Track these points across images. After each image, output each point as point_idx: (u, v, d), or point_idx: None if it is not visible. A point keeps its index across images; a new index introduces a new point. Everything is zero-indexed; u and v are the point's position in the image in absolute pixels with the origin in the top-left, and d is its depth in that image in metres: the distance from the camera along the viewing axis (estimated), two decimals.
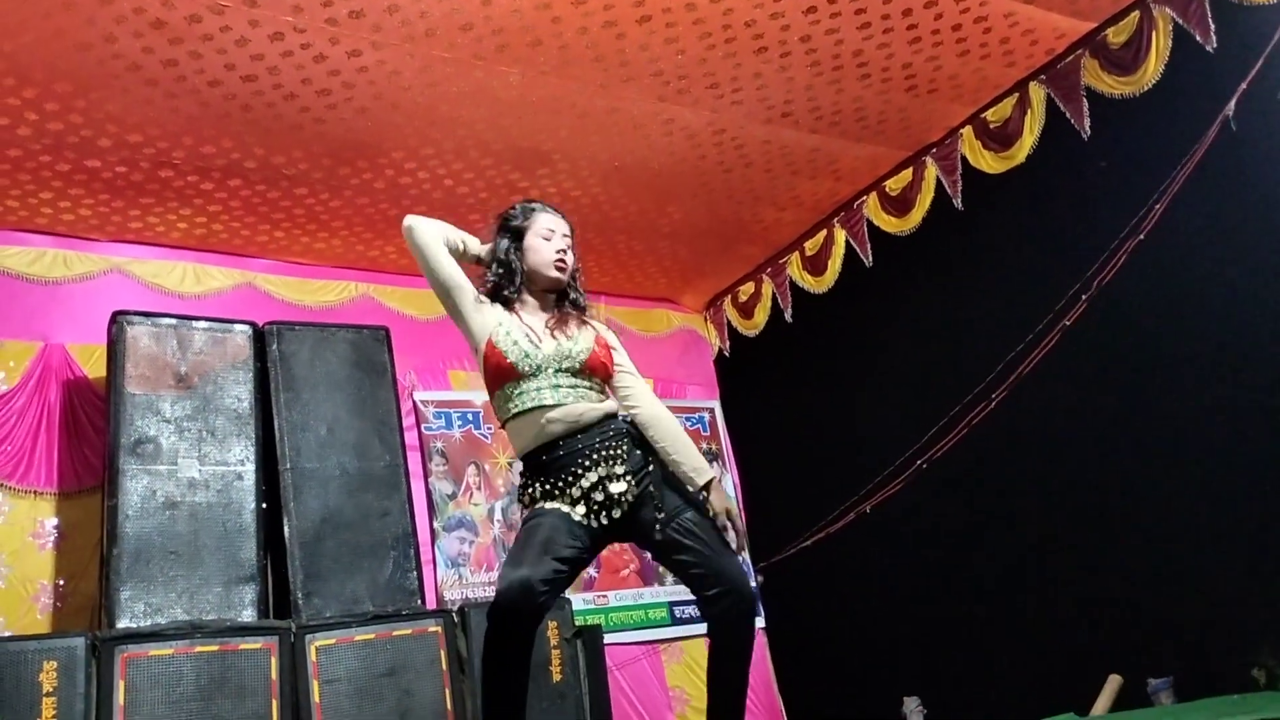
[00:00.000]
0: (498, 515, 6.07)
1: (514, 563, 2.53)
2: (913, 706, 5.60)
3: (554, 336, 2.82)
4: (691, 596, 2.78)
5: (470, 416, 6.22)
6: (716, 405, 7.38)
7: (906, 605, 5.87)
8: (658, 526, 2.68)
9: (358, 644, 4.34)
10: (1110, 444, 4.94)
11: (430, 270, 2.85)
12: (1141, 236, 4.79)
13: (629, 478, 2.72)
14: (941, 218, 5.79)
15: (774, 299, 6.92)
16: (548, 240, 2.93)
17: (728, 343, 7.40)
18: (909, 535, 5.89)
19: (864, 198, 6.22)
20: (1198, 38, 4.60)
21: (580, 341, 2.83)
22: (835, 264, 6.45)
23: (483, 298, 2.87)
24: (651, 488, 2.74)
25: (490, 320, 2.81)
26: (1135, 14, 4.84)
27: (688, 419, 7.16)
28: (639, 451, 2.80)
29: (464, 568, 5.86)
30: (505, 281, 2.89)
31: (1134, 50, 4.83)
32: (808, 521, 6.52)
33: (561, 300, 2.95)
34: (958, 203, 5.69)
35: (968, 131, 5.61)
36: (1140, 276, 4.81)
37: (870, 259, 6.22)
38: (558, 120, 5.04)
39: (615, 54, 4.63)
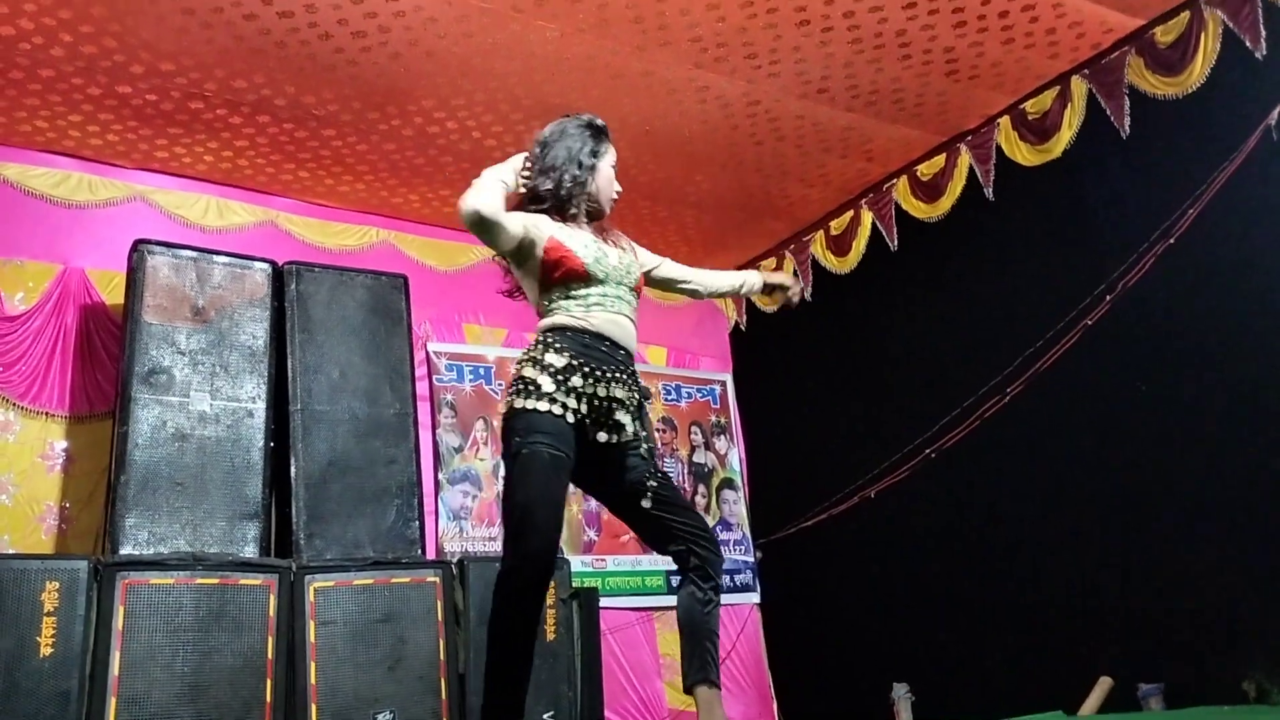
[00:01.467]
0: (503, 472, 6.09)
1: (530, 527, 2.54)
2: (901, 693, 5.62)
3: (614, 249, 2.91)
4: None
5: (482, 371, 6.22)
6: (729, 379, 7.37)
7: (902, 592, 5.88)
8: (645, 478, 2.74)
9: (356, 588, 4.37)
10: (1120, 447, 4.91)
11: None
12: (1171, 240, 4.72)
13: (634, 419, 2.78)
14: (971, 206, 5.73)
15: (795, 276, 6.88)
16: (612, 171, 3.05)
17: (744, 317, 7.37)
18: (911, 523, 5.88)
19: (894, 181, 6.16)
20: (1247, 43, 4.51)
21: (632, 260, 2.97)
22: (860, 245, 6.40)
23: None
24: (643, 430, 2.81)
25: (544, 223, 2.81)
26: (1186, 14, 4.74)
27: (699, 390, 7.15)
28: (641, 389, 2.87)
29: (465, 521, 5.89)
30: (571, 196, 2.89)
31: (1181, 51, 4.75)
32: (811, 501, 6.52)
33: (599, 227, 3.00)
34: (989, 192, 5.63)
35: (1005, 121, 5.53)
36: (1166, 281, 4.75)
37: (895, 243, 6.17)
38: (591, 79, 4.99)
39: (655, 16, 4.57)
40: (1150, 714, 4.46)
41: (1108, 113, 5.05)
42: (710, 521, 6.83)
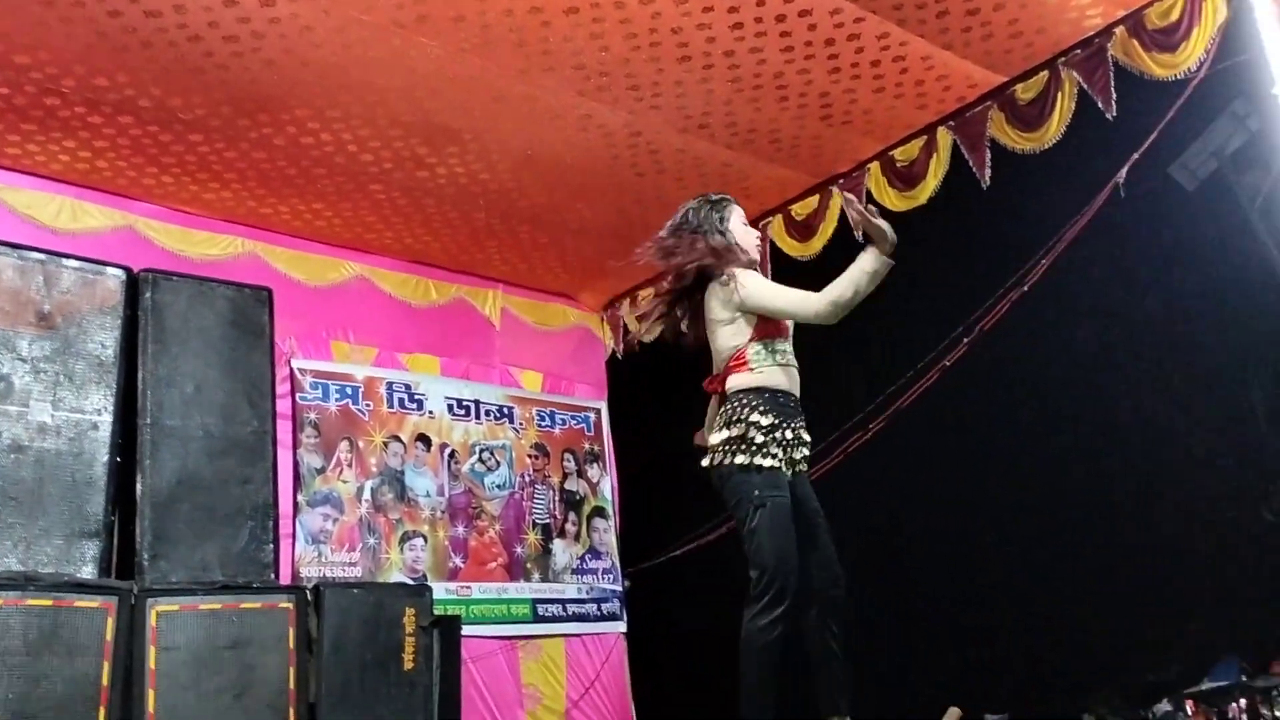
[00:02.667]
0: (366, 495, 5.93)
1: (787, 564, 3.10)
2: None
3: None
4: (556, 596, 2.94)
5: (349, 390, 6.06)
6: (603, 407, 7.37)
7: None
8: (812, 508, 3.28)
9: (202, 613, 4.17)
10: (974, 486, 5.09)
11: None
12: (1025, 288, 4.95)
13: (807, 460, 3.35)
14: (842, 248, 5.88)
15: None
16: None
17: (621, 345, 7.39)
18: None
19: (770, 219, 6.28)
20: (1100, 104, 4.78)
21: None
22: None
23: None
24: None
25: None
26: (1045, 73, 5.00)
27: (573, 417, 7.13)
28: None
29: (325, 545, 5.71)
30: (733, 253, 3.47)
31: (1040, 108, 5.00)
32: (680, 530, 6.55)
33: None
34: (859, 235, 5.78)
35: (875, 167, 5.71)
36: (1019, 326, 4.97)
37: (769, 277, 6.28)
38: (473, 100, 4.95)
39: (538, 41, 4.57)
40: None
41: (970, 164, 5.27)
42: (579, 550, 6.80)
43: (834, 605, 3.26)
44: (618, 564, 6.96)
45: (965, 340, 5.24)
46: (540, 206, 6.00)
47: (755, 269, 3.51)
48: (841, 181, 5.88)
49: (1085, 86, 4.84)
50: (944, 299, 5.38)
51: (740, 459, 3.17)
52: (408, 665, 4.57)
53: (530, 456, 6.78)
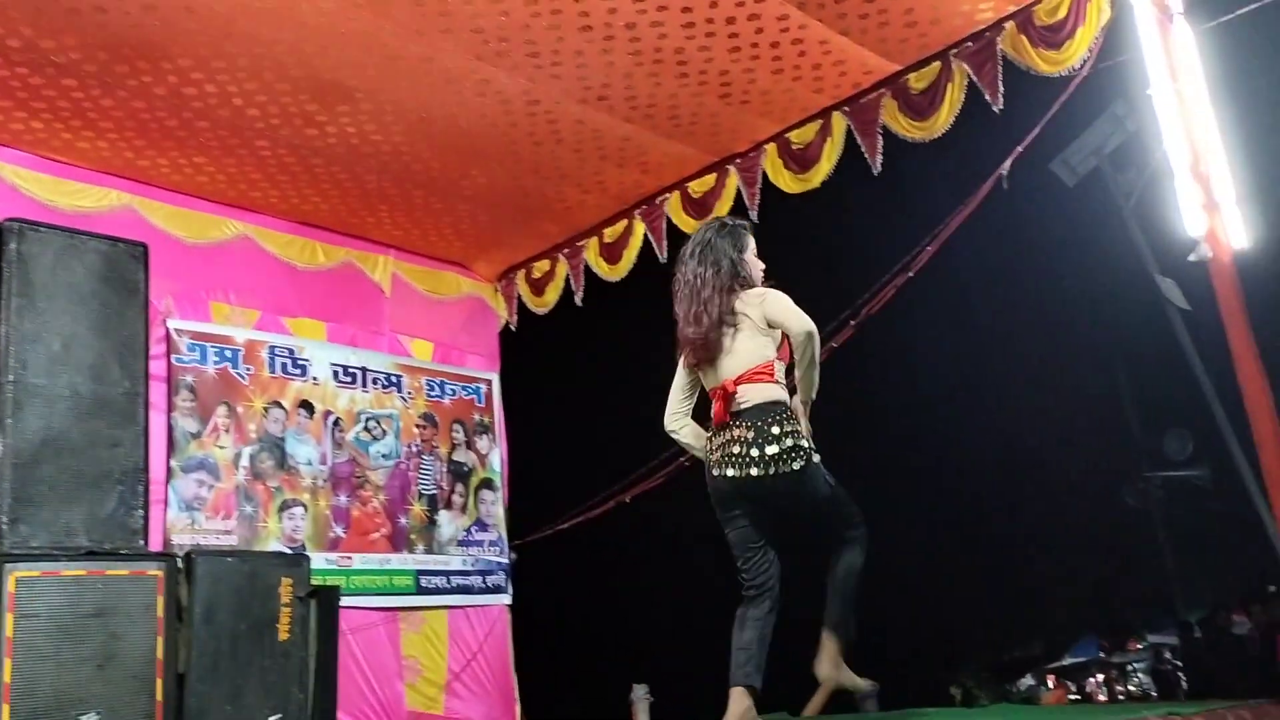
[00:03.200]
0: (244, 461, 5.76)
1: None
2: (640, 694, 5.74)
3: None
4: (441, 567, 3.00)
5: (229, 354, 5.86)
6: (495, 378, 7.30)
7: (647, 596, 6.01)
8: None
9: (65, 579, 4.00)
10: (850, 467, 5.21)
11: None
12: (910, 274, 5.08)
13: None
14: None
15: (567, 280, 6.90)
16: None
17: (515, 317, 7.32)
18: (663, 529, 6.03)
19: (667, 195, 6.29)
20: (987, 96, 4.91)
21: None
22: (631, 255, 6.50)
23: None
24: None
25: None
26: (937, 64, 5.12)
27: (464, 388, 7.04)
28: None
29: (198, 512, 5.53)
30: (747, 282, 3.63)
31: (931, 98, 5.11)
32: (568, 505, 6.56)
33: None
34: (753, 215, 5.85)
35: (771, 148, 5.77)
36: (904, 311, 5.10)
37: (665, 255, 6.31)
38: (366, 58, 4.82)
39: (436, 1, 4.47)
40: (865, 715, 4.75)
41: (863, 149, 5.36)
42: (466, 522, 6.75)
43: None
44: (504, 536, 6.93)
45: (852, 324, 5.36)
46: (434, 171, 5.89)
47: None
48: (739, 160, 5.92)
49: (975, 78, 4.97)
50: (832, 282, 5.48)
51: (814, 458, 3.48)
52: (283, 636, 4.47)
53: (418, 426, 6.68)
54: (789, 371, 3.59)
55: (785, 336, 3.50)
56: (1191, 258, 4.19)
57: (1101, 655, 9.20)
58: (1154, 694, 8.23)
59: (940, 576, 4.76)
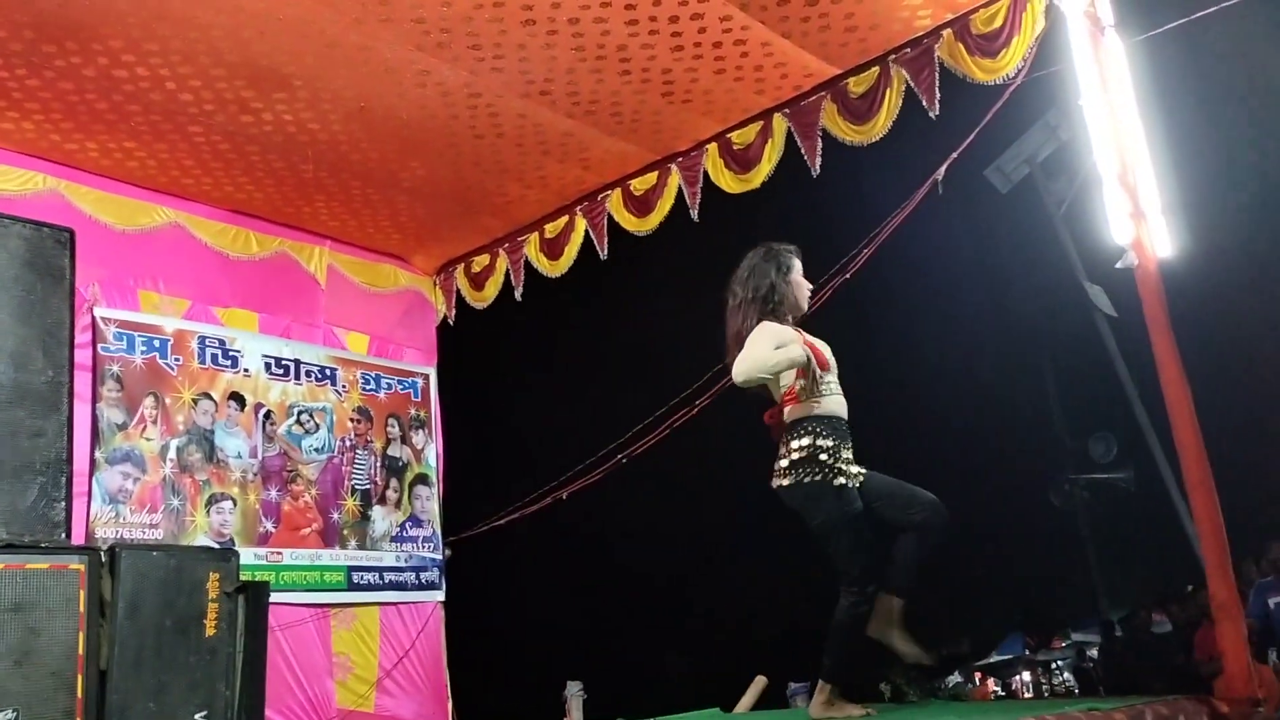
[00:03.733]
0: (171, 454, 5.62)
1: (866, 565, 3.69)
2: (574, 691, 5.73)
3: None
4: (374, 564, 3.00)
5: (157, 344, 5.72)
6: (432, 372, 7.23)
7: (583, 593, 6.01)
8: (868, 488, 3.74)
9: None
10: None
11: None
12: (848, 276, 5.14)
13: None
14: (678, 225, 5.96)
15: (507, 275, 6.86)
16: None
17: (454, 311, 7.25)
18: (598, 526, 6.03)
19: (609, 192, 6.28)
20: (924, 102, 4.99)
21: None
22: (572, 252, 6.48)
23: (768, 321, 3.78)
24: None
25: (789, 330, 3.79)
26: (876, 69, 5.18)
27: (400, 382, 6.96)
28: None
29: (123, 505, 5.39)
30: (781, 305, 3.86)
31: (869, 102, 5.18)
32: (504, 501, 6.53)
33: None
34: (694, 214, 5.88)
35: (713, 148, 5.79)
36: (841, 314, 5.15)
37: (606, 253, 6.30)
38: (304, 45, 4.74)
39: None
40: (796, 711, 4.80)
41: (803, 151, 5.41)
42: (400, 518, 6.67)
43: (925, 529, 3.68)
44: (439, 532, 6.87)
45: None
46: (373, 162, 5.81)
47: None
48: (681, 159, 5.94)
49: (912, 84, 5.04)
50: None
51: (807, 479, 3.68)
52: (209, 632, 4.38)
53: (352, 420, 6.59)
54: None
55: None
56: (1119, 265, 4.29)
57: (1027, 653, 9.41)
58: (1076, 690, 8.44)
59: None
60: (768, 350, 3.69)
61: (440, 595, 6.77)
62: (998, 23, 4.76)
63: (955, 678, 8.46)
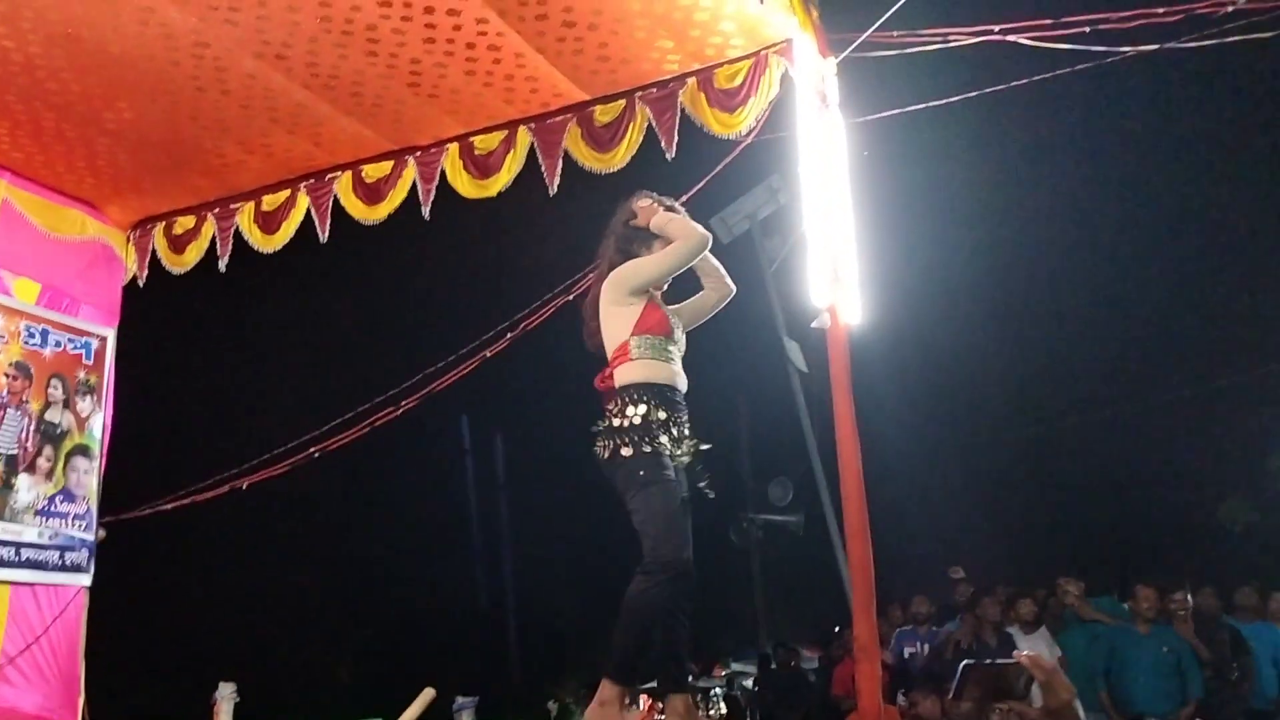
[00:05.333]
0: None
1: (679, 542, 3.36)
2: (226, 693, 5.38)
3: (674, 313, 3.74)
4: (11, 538, 2.68)
5: None
6: (111, 335, 6.57)
7: (250, 591, 5.67)
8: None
9: None
10: (493, 474, 5.25)
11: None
12: (570, 297, 5.20)
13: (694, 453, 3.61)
14: (407, 219, 5.80)
15: (213, 242, 6.36)
16: None
17: (145, 272, 6.63)
18: (277, 522, 5.72)
19: (338, 174, 5.99)
20: (663, 143, 5.16)
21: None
22: (289, 228, 6.12)
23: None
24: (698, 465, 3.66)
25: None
26: (622, 102, 5.30)
27: (71, 341, 6.28)
28: None
29: None
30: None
31: (613, 132, 5.28)
32: (175, 484, 6.04)
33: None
34: (426, 212, 5.74)
35: (454, 148, 5.68)
36: (561, 328, 5.21)
37: (326, 235, 6.02)
38: None
39: None
40: None
41: (543, 168, 5.43)
42: (50, 490, 6.01)
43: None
44: (94, 511, 6.24)
45: (509, 335, 5.42)
46: (74, 95, 5.23)
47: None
48: (419, 154, 5.78)
49: (654, 123, 5.19)
50: (495, 292, 5.50)
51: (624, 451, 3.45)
52: None
53: (8, 376, 5.86)
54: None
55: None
56: (814, 325, 4.62)
57: (689, 679, 9.86)
58: (725, 717, 8.94)
59: (541, 594, 4.89)
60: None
61: (86, 580, 6.14)
62: (738, 81, 5.01)
63: None
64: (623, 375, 3.54)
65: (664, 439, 3.43)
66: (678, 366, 3.65)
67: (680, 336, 3.74)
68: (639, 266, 3.69)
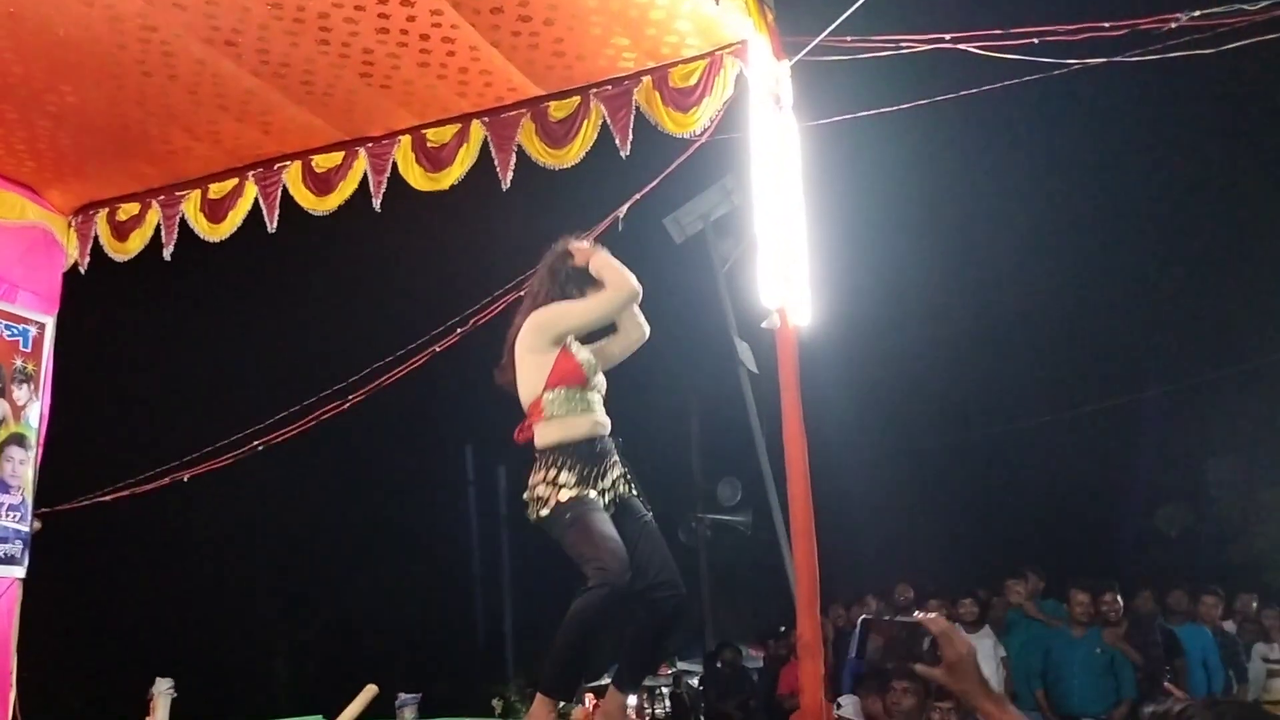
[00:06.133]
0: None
1: (614, 551, 3.31)
2: (164, 688, 5.27)
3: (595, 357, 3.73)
4: None
5: None
6: (50, 323, 6.41)
7: (190, 585, 5.58)
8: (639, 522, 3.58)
9: None
10: (439, 473, 5.21)
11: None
12: (521, 293, 5.17)
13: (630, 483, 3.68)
14: (357, 212, 5.74)
15: (158, 230, 6.24)
16: None
17: (87, 259, 6.49)
18: (218, 516, 5.64)
19: (288, 163, 5.90)
20: (617, 141, 5.15)
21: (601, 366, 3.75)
22: (237, 218, 6.02)
23: None
24: (635, 492, 3.69)
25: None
26: (577, 99, 5.28)
27: (8, 328, 6.13)
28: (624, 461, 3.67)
29: None
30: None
31: (567, 129, 5.26)
32: (114, 475, 5.92)
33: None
34: (376, 204, 5.68)
35: (406, 140, 5.61)
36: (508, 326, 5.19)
37: (274, 225, 5.93)
38: None
39: None
40: None
41: (495, 163, 5.40)
42: None
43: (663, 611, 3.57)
44: (29, 501, 6.09)
45: (459, 330, 5.38)
46: (14, 77, 5.09)
47: None
48: (370, 145, 5.72)
49: (609, 120, 5.19)
50: (445, 286, 5.46)
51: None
52: None
53: None
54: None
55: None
56: (764, 325, 4.65)
57: (639, 681, 9.88)
58: (670, 715, 8.96)
59: (485, 591, 4.87)
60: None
61: (20, 571, 5.99)
62: (693, 80, 5.02)
63: None
64: (541, 436, 3.59)
65: (590, 493, 3.50)
66: (597, 413, 3.66)
67: (598, 380, 3.72)
68: (564, 313, 3.67)
